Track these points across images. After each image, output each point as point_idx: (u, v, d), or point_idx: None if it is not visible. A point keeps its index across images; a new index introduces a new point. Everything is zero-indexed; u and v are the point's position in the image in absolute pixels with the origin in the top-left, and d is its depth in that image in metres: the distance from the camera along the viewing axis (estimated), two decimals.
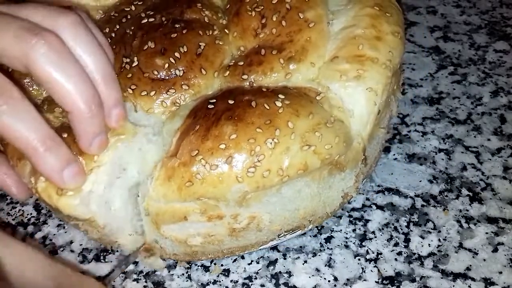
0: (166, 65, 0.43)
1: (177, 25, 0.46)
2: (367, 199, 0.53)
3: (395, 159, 0.57)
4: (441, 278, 0.47)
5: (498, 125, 0.60)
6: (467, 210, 0.52)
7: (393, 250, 0.49)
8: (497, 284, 0.46)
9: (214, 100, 0.42)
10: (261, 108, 0.41)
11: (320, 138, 0.41)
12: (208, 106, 0.42)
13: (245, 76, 0.44)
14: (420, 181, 0.55)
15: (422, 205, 0.52)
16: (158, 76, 0.43)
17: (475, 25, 0.74)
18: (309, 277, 0.47)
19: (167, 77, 0.44)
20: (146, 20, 0.47)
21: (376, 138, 0.49)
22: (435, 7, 0.77)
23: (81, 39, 0.36)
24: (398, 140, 0.59)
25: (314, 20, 0.45)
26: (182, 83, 0.43)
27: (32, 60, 0.34)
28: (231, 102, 0.41)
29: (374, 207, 0.53)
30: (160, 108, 0.43)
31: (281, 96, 0.42)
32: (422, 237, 0.50)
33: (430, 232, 0.50)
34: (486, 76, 0.66)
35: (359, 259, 0.48)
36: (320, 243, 0.50)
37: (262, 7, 0.46)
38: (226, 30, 0.47)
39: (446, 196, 0.53)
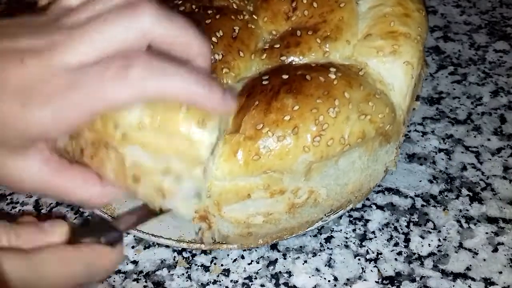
0: None
1: (209, 11, 0.47)
2: (367, 199, 0.53)
3: None
4: (441, 278, 0.47)
5: (498, 125, 0.60)
6: (467, 210, 0.52)
7: (393, 250, 0.49)
8: (497, 284, 0.46)
9: (267, 77, 0.43)
10: (317, 81, 0.42)
11: (373, 108, 0.43)
12: (263, 83, 0.43)
13: (283, 58, 0.46)
14: (420, 181, 0.55)
15: (422, 205, 0.52)
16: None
17: (475, 25, 0.74)
18: (309, 277, 0.47)
19: None
20: (176, 9, 0.48)
21: (411, 111, 0.51)
22: (435, 7, 0.77)
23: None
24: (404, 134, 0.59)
25: (345, 0, 0.47)
26: (222, 66, 0.45)
27: (150, 32, 0.34)
28: (285, 77, 0.43)
29: (374, 207, 0.53)
30: None
31: (332, 69, 0.43)
32: (422, 237, 0.50)
33: (430, 232, 0.50)
34: (486, 76, 0.66)
35: (359, 259, 0.48)
36: (320, 243, 0.50)
37: None
38: (254, 16, 0.49)
39: (446, 196, 0.53)
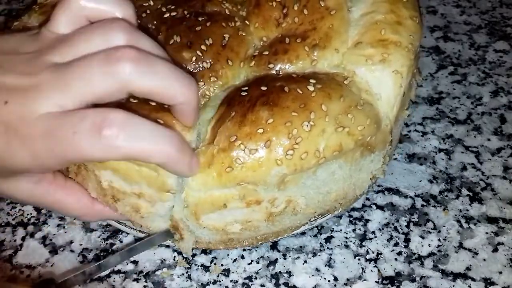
0: (194, 58, 0.44)
1: (200, 18, 0.47)
2: (367, 199, 0.53)
3: (395, 159, 0.57)
4: (441, 278, 0.47)
5: (498, 125, 0.60)
6: (467, 210, 0.52)
7: (393, 250, 0.49)
8: (497, 284, 0.46)
9: (247, 88, 0.43)
10: (294, 93, 0.42)
11: (353, 120, 0.42)
12: (242, 94, 0.42)
13: (271, 65, 0.45)
14: (420, 181, 0.55)
15: (422, 205, 0.52)
16: (187, 69, 0.44)
17: (475, 25, 0.74)
18: (309, 277, 0.47)
19: (195, 70, 0.45)
20: (168, 14, 0.48)
21: (400, 120, 0.51)
22: (435, 7, 0.77)
23: (138, 35, 0.37)
24: (398, 140, 0.59)
25: (335, 8, 0.46)
26: (210, 75, 0.45)
27: (130, 84, 0.34)
28: (264, 88, 0.42)
29: (374, 207, 0.53)
30: None
31: (312, 80, 0.43)
32: (422, 237, 0.50)
33: (430, 232, 0.50)
34: (486, 76, 0.66)
35: (359, 259, 0.48)
36: (320, 243, 0.50)
37: None
38: (246, 22, 0.48)
39: (446, 196, 0.53)
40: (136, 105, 0.40)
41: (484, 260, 0.48)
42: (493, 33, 0.72)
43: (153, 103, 0.40)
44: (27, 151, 0.35)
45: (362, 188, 0.48)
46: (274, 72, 0.45)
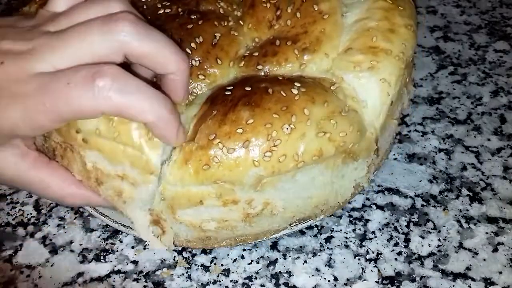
0: None
1: (193, 16, 0.47)
2: (367, 199, 0.53)
3: (395, 159, 0.57)
4: (441, 278, 0.47)
5: (498, 125, 0.60)
6: (467, 210, 0.52)
7: (393, 250, 0.49)
8: (497, 284, 0.46)
9: (231, 87, 0.43)
10: (278, 95, 0.41)
11: (335, 126, 0.42)
12: (225, 93, 0.42)
13: (260, 67, 0.45)
14: (420, 181, 0.55)
15: (422, 205, 0.52)
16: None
17: (475, 25, 0.74)
18: (309, 277, 0.47)
19: None
20: (162, 11, 0.48)
21: (389, 130, 0.50)
22: (435, 7, 0.77)
23: (134, 10, 0.38)
24: (398, 140, 0.59)
25: (328, 12, 0.46)
26: (198, 73, 0.45)
27: (127, 45, 0.35)
28: (248, 89, 0.42)
29: (374, 207, 0.53)
30: None
31: (297, 84, 0.42)
32: (422, 237, 0.50)
33: (430, 232, 0.50)
34: (486, 76, 0.66)
35: (359, 259, 0.48)
36: (320, 243, 0.50)
37: None
38: (240, 22, 0.48)
39: (446, 196, 0.53)
40: None
41: (484, 260, 0.48)
42: (493, 33, 0.72)
43: None
44: (18, 108, 0.34)
45: (344, 195, 0.47)
46: (262, 73, 0.45)
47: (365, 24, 0.46)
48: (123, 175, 0.40)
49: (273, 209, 0.44)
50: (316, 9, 0.46)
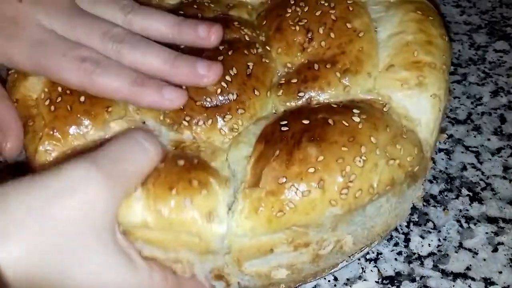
0: (219, 91, 0.41)
1: (221, 47, 0.43)
2: None
3: None
4: (441, 278, 0.47)
5: (498, 125, 0.60)
6: (467, 210, 0.52)
7: (393, 250, 0.49)
8: (497, 284, 0.46)
9: (286, 122, 0.40)
10: (340, 126, 0.39)
11: (402, 150, 0.39)
12: (282, 129, 0.39)
13: (301, 94, 0.42)
14: None
15: (422, 205, 0.52)
16: (212, 103, 0.41)
17: (475, 25, 0.74)
18: None
19: (221, 103, 0.41)
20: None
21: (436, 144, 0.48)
22: None
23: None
24: None
25: (363, 29, 0.44)
26: (238, 107, 0.41)
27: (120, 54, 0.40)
28: (305, 122, 0.39)
29: None
30: (219, 136, 0.41)
31: (355, 110, 0.40)
32: (422, 237, 0.50)
33: (430, 232, 0.50)
34: (486, 76, 0.66)
35: (359, 259, 0.48)
36: None
37: (306, 21, 0.44)
38: (267, 47, 0.45)
39: (446, 196, 0.53)
40: (165, 167, 0.37)
41: (484, 260, 0.48)
42: (493, 33, 0.72)
43: (182, 162, 0.37)
44: (17, 44, 0.40)
45: (403, 217, 0.45)
46: (304, 100, 0.42)
47: (402, 39, 0.44)
48: (176, 258, 0.37)
49: (343, 246, 0.41)
50: (350, 27, 0.43)
